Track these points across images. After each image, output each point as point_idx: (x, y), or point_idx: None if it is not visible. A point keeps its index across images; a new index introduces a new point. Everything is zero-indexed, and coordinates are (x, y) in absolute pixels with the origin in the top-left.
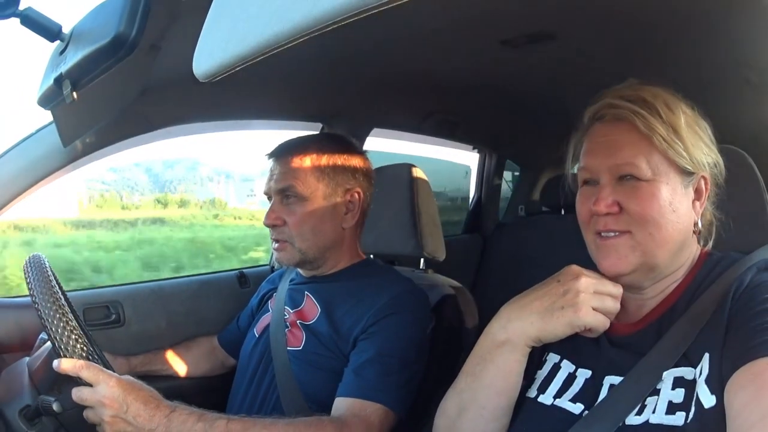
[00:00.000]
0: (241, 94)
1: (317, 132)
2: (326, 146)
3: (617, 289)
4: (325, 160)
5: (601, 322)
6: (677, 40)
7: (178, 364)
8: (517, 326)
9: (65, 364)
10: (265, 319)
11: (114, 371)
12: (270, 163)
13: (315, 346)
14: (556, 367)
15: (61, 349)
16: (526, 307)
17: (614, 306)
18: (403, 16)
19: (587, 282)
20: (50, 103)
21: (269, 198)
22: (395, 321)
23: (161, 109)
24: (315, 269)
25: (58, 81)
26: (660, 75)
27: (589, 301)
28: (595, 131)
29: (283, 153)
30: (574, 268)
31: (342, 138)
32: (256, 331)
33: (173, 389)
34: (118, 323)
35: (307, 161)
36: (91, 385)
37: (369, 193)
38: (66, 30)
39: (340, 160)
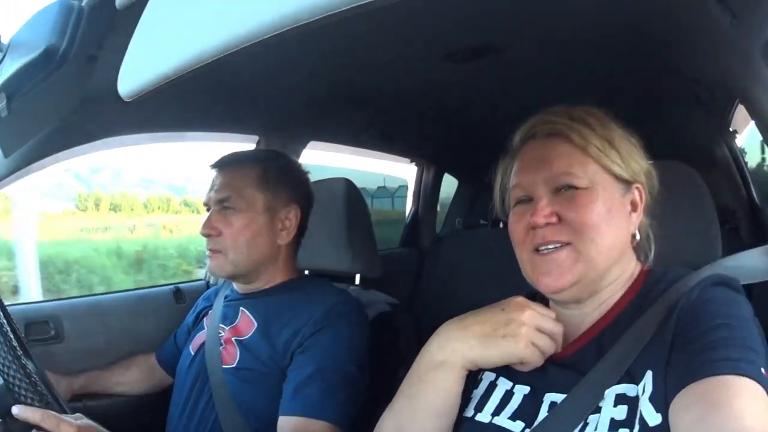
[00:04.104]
0: (178, 106)
1: (253, 145)
2: (268, 161)
3: (558, 329)
4: (265, 175)
5: (537, 358)
6: (626, 58)
7: (117, 385)
8: (456, 347)
9: (25, 414)
10: (200, 337)
11: (67, 412)
12: (212, 173)
13: (249, 362)
14: (492, 385)
15: (20, 396)
16: (467, 329)
17: (551, 346)
18: (343, 30)
19: (532, 316)
20: None
21: (208, 208)
22: (332, 333)
23: (100, 119)
24: (248, 283)
25: None
26: (608, 91)
27: (530, 335)
28: (527, 149)
29: (225, 164)
30: (520, 299)
31: (284, 155)
32: (192, 348)
33: (114, 408)
34: (58, 339)
35: (247, 174)
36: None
37: (307, 212)
38: (5, 40)
39: (281, 176)
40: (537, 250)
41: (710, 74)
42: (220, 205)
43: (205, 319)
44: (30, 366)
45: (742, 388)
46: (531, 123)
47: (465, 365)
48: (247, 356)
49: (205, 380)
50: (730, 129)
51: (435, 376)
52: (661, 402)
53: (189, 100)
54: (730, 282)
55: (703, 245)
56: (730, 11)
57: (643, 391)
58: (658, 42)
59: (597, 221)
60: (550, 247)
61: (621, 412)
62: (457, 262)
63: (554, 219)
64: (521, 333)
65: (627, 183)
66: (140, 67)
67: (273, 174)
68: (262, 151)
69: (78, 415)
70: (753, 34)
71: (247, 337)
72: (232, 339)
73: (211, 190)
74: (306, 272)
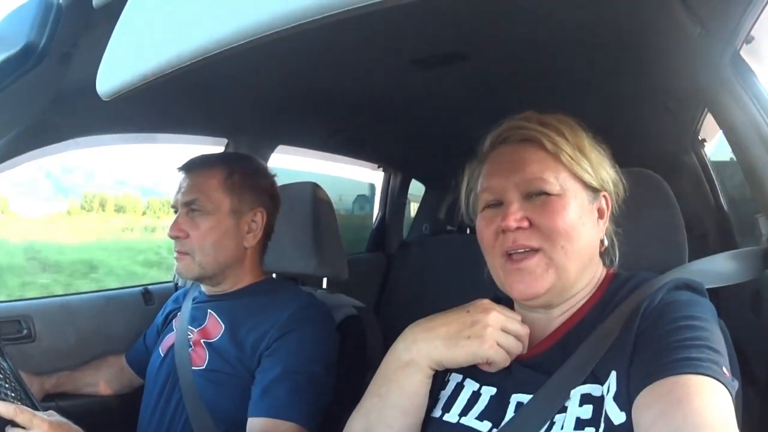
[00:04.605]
0: (149, 107)
1: (222, 147)
2: (235, 165)
3: (525, 330)
4: (232, 177)
5: (502, 358)
6: (595, 67)
7: (88, 386)
8: (422, 348)
9: (0, 408)
10: (169, 339)
11: (39, 409)
12: (180, 176)
13: (218, 365)
14: (459, 386)
15: None
16: (433, 330)
17: (517, 347)
18: (313, 35)
19: (496, 317)
20: None
21: (176, 210)
22: (299, 336)
23: (71, 118)
24: (215, 285)
25: None
26: (577, 100)
27: (495, 336)
28: (498, 152)
29: (192, 167)
30: (486, 301)
31: (251, 158)
32: (161, 350)
33: (86, 408)
34: (30, 338)
35: (214, 177)
36: (24, 427)
37: (273, 215)
38: None
39: (247, 179)
40: (508, 255)
41: (679, 83)
42: (187, 207)
43: (174, 320)
44: (4, 364)
45: (704, 386)
46: (503, 127)
47: (431, 365)
48: (216, 358)
49: (175, 381)
50: (699, 138)
51: (402, 375)
52: (625, 401)
53: (160, 101)
54: (694, 285)
55: (670, 251)
56: (699, 21)
57: (608, 391)
58: (627, 51)
59: (568, 228)
60: (520, 251)
61: (586, 412)
62: (424, 267)
63: (525, 224)
64: (486, 334)
65: (595, 191)
66: (120, 67)
67: (239, 177)
68: (229, 154)
69: (50, 412)
70: (721, 45)
71: (215, 339)
72: (201, 341)
73: (178, 192)
74: (273, 275)
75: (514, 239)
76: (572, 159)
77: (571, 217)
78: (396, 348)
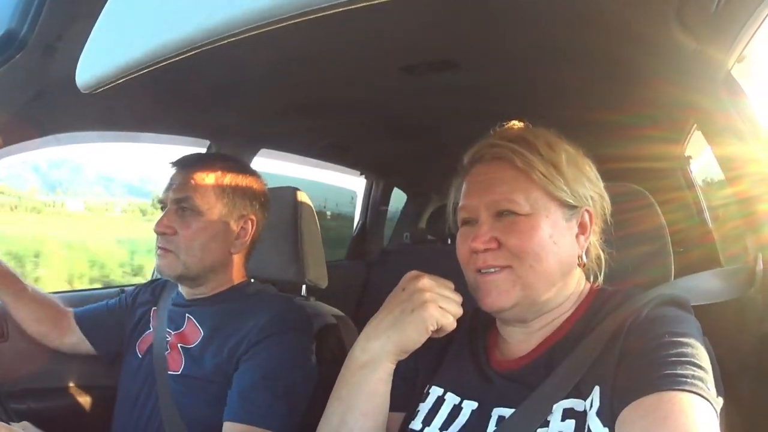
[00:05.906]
0: (132, 105)
1: (204, 149)
2: (232, 168)
3: (458, 297)
4: (228, 180)
5: (449, 321)
6: (586, 80)
7: (20, 306)
8: (376, 345)
9: None
10: (147, 338)
11: (10, 413)
12: (172, 171)
13: (194, 371)
14: (440, 400)
15: None
16: (381, 323)
17: (457, 309)
18: (299, 37)
19: (428, 282)
20: None
21: (163, 207)
22: (278, 341)
23: (54, 114)
24: (194, 288)
25: None
26: (565, 112)
27: (434, 299)
28: (474, 171)
29: (188, 164)
30: (413, 272)
31: (247, 164)
32: (139, 351)
33: (58, 410)
34: (2, 338)
35: (210, 177)
36: None
37: (262, 222)
38: None
39: (242, 184)
40: (479, 271)
41: (670, 99)
42: (178, 204)
43: (151, 318)
44: None
45: (689, 403)
46: (478, 146)
47: (390, 359)
48: (191, 364)
49: (152, 384)
50: (686, 154)
51: (361, 377)
52: (608, 417)
53: (143, 100)
54: (679, 301)
55: (656, 267)
56: (695, 38)
57: (591, 406)
58: (619, 64)
59: (537, 248)
60: (490, 270)
61: (569, 427)
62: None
63: (494, 245)
64: (426, 298)
65: (573, 207)
66: (102, 57)
67: (235, 182)
68: (226, 156)
69: (25, 423)
70: (715, 63)
71: (192, 345)
72: (178, 345)
73: (169, 188)
74: (252, 280)
75: (484, 260)
76: (545, 177)
77: (540, 237)
78: (353, 352)
